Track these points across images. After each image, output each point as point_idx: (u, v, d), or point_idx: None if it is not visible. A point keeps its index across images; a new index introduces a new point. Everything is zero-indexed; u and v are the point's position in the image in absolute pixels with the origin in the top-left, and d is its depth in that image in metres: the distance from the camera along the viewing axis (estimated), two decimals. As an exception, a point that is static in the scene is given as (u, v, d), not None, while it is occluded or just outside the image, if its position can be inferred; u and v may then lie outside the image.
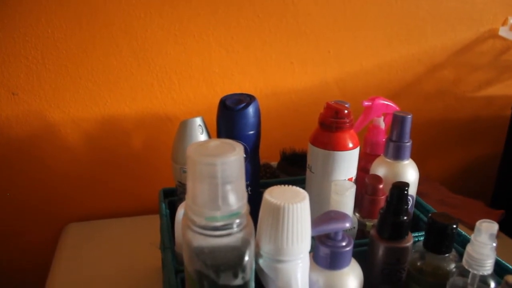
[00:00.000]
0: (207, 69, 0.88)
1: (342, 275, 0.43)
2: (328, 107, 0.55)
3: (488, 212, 0.92)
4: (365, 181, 0.55)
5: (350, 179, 0.56)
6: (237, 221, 0.35)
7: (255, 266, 0.39)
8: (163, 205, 0.61)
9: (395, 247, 0.47)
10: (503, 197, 1.07)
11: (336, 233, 0.42)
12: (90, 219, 0.91)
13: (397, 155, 0.56)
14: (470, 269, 0.39)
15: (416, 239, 0.50)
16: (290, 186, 0.38)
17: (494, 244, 0.38)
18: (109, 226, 0.88)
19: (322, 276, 0.43)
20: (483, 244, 0.38)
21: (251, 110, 0.55)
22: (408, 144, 0.56)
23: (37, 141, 0.85)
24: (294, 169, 0.79)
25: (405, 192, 0.46)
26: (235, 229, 0.35)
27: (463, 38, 1.01)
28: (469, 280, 0.39)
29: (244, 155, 0.35)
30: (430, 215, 0.45)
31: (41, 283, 0.73)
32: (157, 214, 0.62)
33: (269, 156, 0.78)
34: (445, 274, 0.43)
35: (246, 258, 0.36)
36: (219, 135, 0.57)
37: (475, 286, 0.39)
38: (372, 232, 0.49)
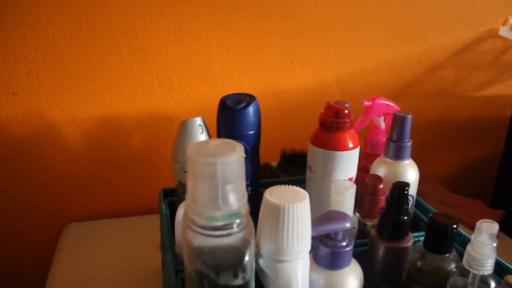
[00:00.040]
0: (207, 69, 0.88)
1: (342, 275, 0.43)
2: (329, 107, 0.55)
3: (488, 212, 0.92)
4: (365, 181, 0.55)
5: (350, 179, 0.56)
6: (237, 221, 0.35)
7: (255, 266, 0.39)
8: (163, 205, 0.61)
9: (395, 247, 0.47)
10: (503, 197, 1.07)
11: (336, 233, 0.42)
12: (90, 219, 0.91)
13: (397, 155, 0.56)
14: (470, 269, 0.39)
15: (416, 239, 0.50)
16: (290, 186, 0.38)
17: (495, 244, 0.38)
18: (109, 226, 0.88)
19: (322, 276, 0.43)
20: (483, 244, 0.38)
21: (251, 110, 0.55)
22: (408, 144, 0.56)
23: (37, 141, 0.85)
24: (294, 169, 0.79)
25: (406, 192, 0.46)
26: (235, 229, 0.35)
27: (463, 38, 1.00)
28: (469, 280, 0.39)
29: (244, 155, 0.35)
30: (430, 215, 0.45)
31: (41, 283, 0.73)
32: (157, 214, 0.62)
33: (269, 156, 0.78)
34: (445, 274, 0.43)
35: (246, 258, 0.36)
36: (219, 135, 0.57)
37: (476, 286, 0.39)
38: (372, 232, 0.49)
